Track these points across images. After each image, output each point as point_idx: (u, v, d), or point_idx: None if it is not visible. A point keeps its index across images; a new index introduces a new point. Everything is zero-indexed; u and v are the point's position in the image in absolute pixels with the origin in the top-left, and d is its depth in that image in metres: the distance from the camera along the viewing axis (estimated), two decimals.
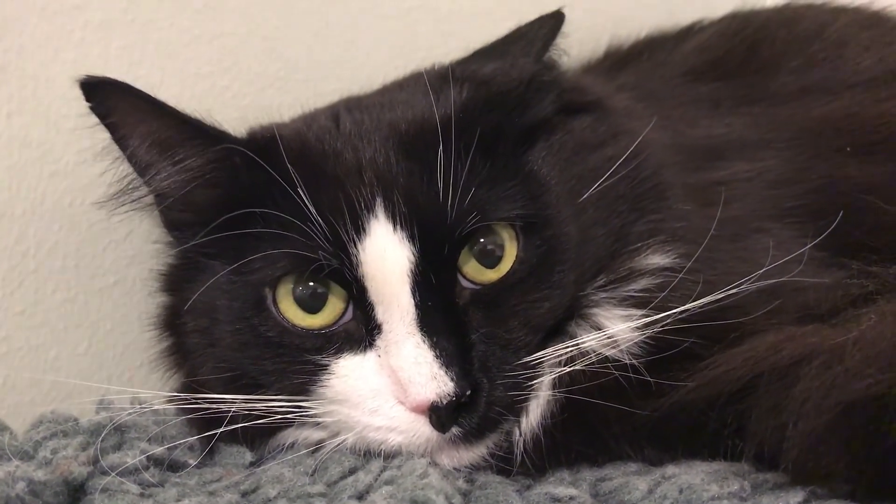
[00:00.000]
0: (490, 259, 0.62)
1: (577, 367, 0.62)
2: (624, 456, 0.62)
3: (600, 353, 0.62)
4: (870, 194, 0.70)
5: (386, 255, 0.60)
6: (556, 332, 0.64)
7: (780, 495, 0.54)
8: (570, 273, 0.64)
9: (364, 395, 0.61)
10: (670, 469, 0.59)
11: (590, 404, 0.61)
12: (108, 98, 0.64)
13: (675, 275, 0.63)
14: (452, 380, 0.58)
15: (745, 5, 0.99)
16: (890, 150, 0.75)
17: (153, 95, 0.64)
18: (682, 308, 0.61)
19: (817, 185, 0.73)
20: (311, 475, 0.62)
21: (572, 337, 0.64)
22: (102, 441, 0.64)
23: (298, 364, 0.62)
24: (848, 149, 0.75)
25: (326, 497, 0.59)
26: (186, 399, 0.66)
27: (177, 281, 0.70)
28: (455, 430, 0.60)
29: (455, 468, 0.62)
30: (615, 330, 0.63)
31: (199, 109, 0.66)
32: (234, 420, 0.64)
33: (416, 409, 0.59)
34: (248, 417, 0.64)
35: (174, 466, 0.65)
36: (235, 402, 0.63)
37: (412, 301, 0.60)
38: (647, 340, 0.62)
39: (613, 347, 0.62)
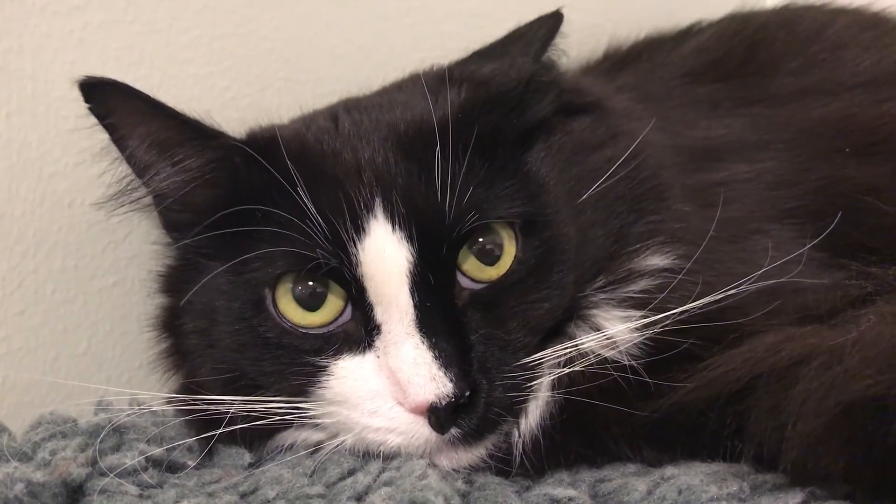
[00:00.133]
0: (489, 258, 0.62)
1: (576, 368, 0.62)
2: (623, 457, 0.62)
3: (599, 354, 0.62)
4: (869, 195, 0.70)
5: (385, 254, 0.60)
6: (556, 333, 0.64)
7: (779, 496, 0.54)
8: (569, 274, 0.64)
9: (363, 396, 0.61)
10: (669, 470, 0.59)
11: (589, 405, 0.61)
12: (107, 99, 0.64)
13: (675, 276, 0.63)
14: (451, 381, 0.58)
15: (744, 6, 0.99)
16: (889, 151, 0.75)
17: (152, 96, 0.64)
18: (682, 309, 0.61)
19: (816, 185, 0.73)
20: (310, 476, 0.62)
21: (571, 338, 0.64)
22: (101, 442, 0.64)
23: (297, 365, 0.62)
24: (847, 150, 0.75)
25: (325, 498, 0.59)
26: (185, 400, 0.66)
27: (176, 282, 0.70)
28: (454, 431, 0.60)
29: (454, 469, 0.62)
30: (614, 331, 0.63)
31: (199, 110, 0.66)
32: (232, 421, 0.64)
33: (415, 411, 0.59)
34: (246, 418, 0.64)
35: (173, 467, 0.65)
36: (234, 404, 0.63)
37: (411, 301, 0.60)
38: (646, 341, 0.62)
39: (612, 348, 0.62)
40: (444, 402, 0.58)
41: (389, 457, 0.61)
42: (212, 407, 0.64)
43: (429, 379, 0.58)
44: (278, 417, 0.63)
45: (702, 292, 0.61)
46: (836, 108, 0.79)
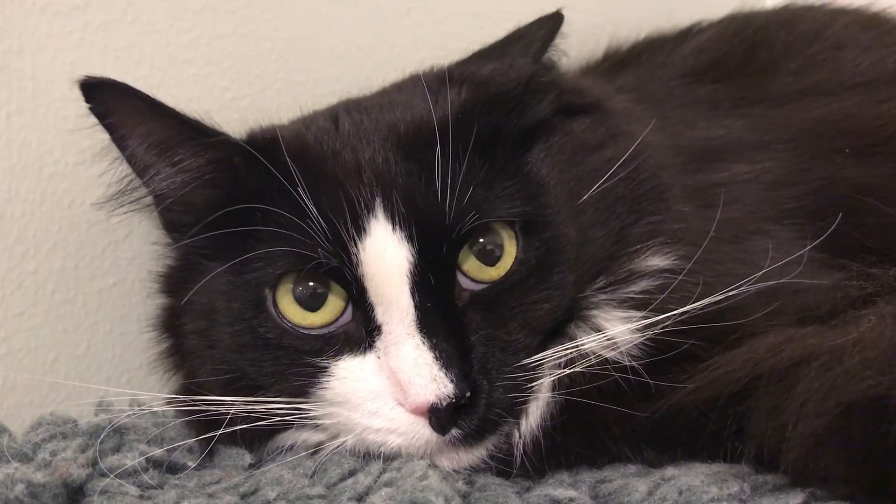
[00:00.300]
0: (490, 258, 0.62)
1: (576, 369, 0.62)
2: (623, 458, 0.62)
3: (600, 355, 0.62)
4: (869, 196, 0.70)
5: (385, 254, 0.60)
6: (556, 333, 0.64)
7: (779, 497, 0.54)
8: (570, 274, 0.64)
9: (363, 396, 0.61)
10: (670, 471, 0.59)
11: (589, 406, 0.61)
12: (107, 99, 0.64)
13: (675, 276, 0.63)
14: (452, 381, 0.58)
15: (744, 6, 0.99)
16: (889, 152, 0.75)
17: (152, 96, 0.64)
18: (682, 310, 0.61)
19: (816, 186, 0.73)
20: (311, 477, 0.62)
21: (572, 339, 0.64)
22: (101, 443, 0.64)
23: (298, 366, 0.62)
24: (847, 150, 0.75)
25: (326, 499, 0.59)
26: (186, 401, 0.66)
27: (176, 282, 0.70)
28: (454, 431, 0.60)
29: (454, 470, 0.62)
30: (615, 332, 0.63)
31: (199, 110, 0.66)
32: (233, 422, 0.64)
33: (416, 411, 0.59)
34: (247, 419, 0.64)
35: (173, 468, 0.65)
36: (235, 404, 0.63)
37: (412, 302, 0.60)
38: (646, 342, 0.62)
39: (613, 349, 0.62)
40: (444, 403, 0.58)
41: (390, 457, 0.61)
42: (212, 407, 0.64)
43: (429, 380, 0.58)
44: (279, 418, 0.63)
45: (702, 293, 0.61)
46: (836, 109, 0.79)
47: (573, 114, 0.71)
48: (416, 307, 0.60)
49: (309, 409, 0.62)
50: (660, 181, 0.69)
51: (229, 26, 0.91)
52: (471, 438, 0.60)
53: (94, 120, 0.65)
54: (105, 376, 0.86)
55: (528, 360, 0.61)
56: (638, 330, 0.62)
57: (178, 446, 0.66)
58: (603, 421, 0.61)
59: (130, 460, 0.62)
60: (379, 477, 0.59)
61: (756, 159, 0.74)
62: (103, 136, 0.66)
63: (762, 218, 0.70)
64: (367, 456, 0.62)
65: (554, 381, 0.63)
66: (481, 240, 0.62)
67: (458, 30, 1.04)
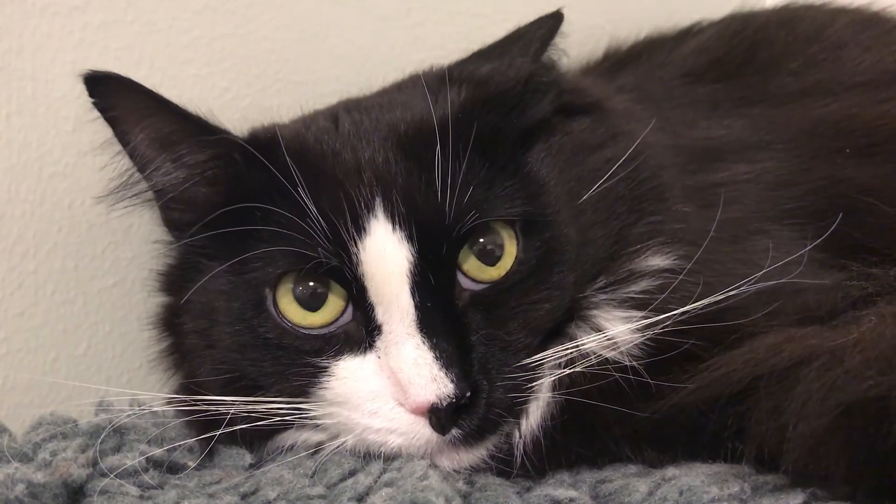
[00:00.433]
0: (490, 258, 0.62)
1: (577, 369, 0.62)
2: (624, 458, 0.62)
3: (600, 355, 0.62)
4: (869, 196, 0.70)
5: (386, 254, 0.60)
6: (556, 333, 0.64)
7: (780, 497, 0.54)
8: (570, 274, 0.64)
9: (364, 396, 0.61)
10: (670, 471, 0.59)
11: (590, 406, 0.61)
12: (111, 93, 0.64)
13: (675, 276, 0.63)
14: (452, 381, 0.58)
15: (744, 6, 0.99)
16: (890, 152, 0.75)
17: (158, 89, 0.64)
18: (682, 310, 0.61)
19: (817, 186, 0.73)
20: (311, 477, 0.62)
21: (572, 339, 0.64)
22: (102, 443, 0.64)
23: (298, 366, 0.62)
24: (847, 150, 0.75)
25: (326, 499, 0.59)
26: (186, 400, 0.66)
27: (176, 281, 0.70)
28: (455, 431, 0.60)
29: (455, 470, 0.62)
30: (615, 332, 0.63)
31: (199, 110, 0.66)
32: (233, 422, 0.64)
33: (416, 411, 0.59)
34: (247, 419, 0.64)
35: (174, 468, 0.65)
36: (235, 404, 0.63)
37: (412, 301, 0.60)
38: (647, 342, 0.62)
39: (613, 349, 0.62)
40: (444, 403, 0.58)
41: (390, 457, 0.61)
42: (212, 407, 0.64)
43: (430, 379, 0.58)
44: (279, 418, 0.63)
45: (702, 293, 0.61)
46: (836, 109, 0.79)
47: (573, 113, 0.71)
48: (417, 307, 0.60)
49: (309, 409, 0.62)
50: (660, 181, 0.69)
51: (229, 26, 0.91)
52: (471, 438, 0.60)
53: (96, 114, 0.65)
54: (105, 376, 0.86)
55: (528, 360, 0.61)
56: (638, 330, 0.62)
57: (179, 446, 0.66)
58: (603, 421, 0.61)
59: (131, 460, 0.62)
60: (379, 477, 0.59)
61: (756, 159, 0.74)
62: (105, 131, 0.66)
63: (762, 218, 0.70)
64: (367, 456, 0.62)
65: (554, 381, 0.63)
66: (481, 239, 0.62)
67: (458, 30, 1.04)
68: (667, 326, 0.61)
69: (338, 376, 0.61)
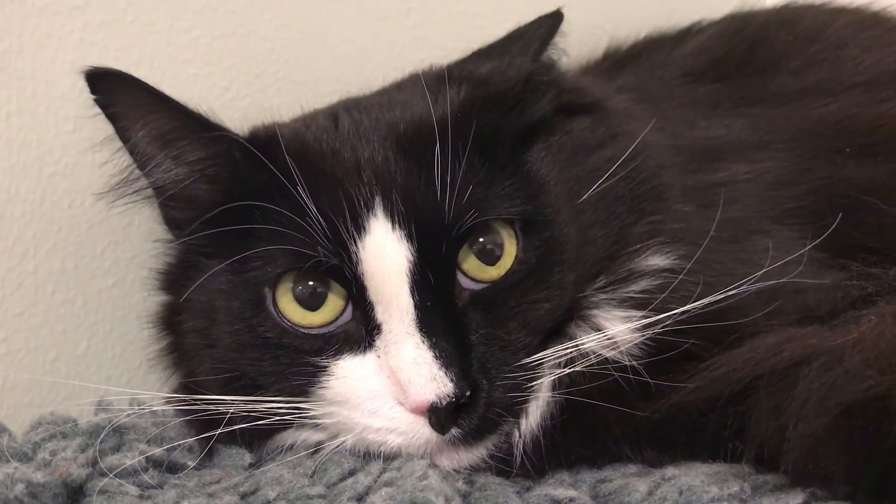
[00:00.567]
0: (490, 257, 0.62)
1: (576, 369, 0.62)
2: (624, 457, 0.62)
3: (600, 355, 0.62)
4: (869, 195, 0.70)
5: (385, 253, 0.60)
6: (556, 333, 0.64)
7: (780, 497, 0.54)
8: (570, 274, 0.64)
9: (363, 396, 0.61)
10: (670, 471, 0.59)
11: (589, 406, 0.61)
12: (112, 89, 0.64)
13: (675, 276, 0.63)
14: (452, 381, 0.58)
15: (744, 6, 0.99)
16: (889, 151, 0.75)
17: (157, 88, 0.64)
18: (682, 309, 0.61)
19: (817, 186, 0.73)
20: (311, 477, 0.61)
21: (572, 338, 0.63)
22: (101, 442, 0.64)
23: (297, 365, 0.62)
24: (847, 150, 0.75)
25: (326, 499, 0.59)
26: (185, 400, 0.66)
27: (176, 280, 0.70)
28: (454, 431, 0.59)
29: (454, 469, 0.62)
30: (615, 331, 0.63)
31: (200, 108, 0.66)
32: (232, 421, 0.64)
33: (416, 410, 0.59)
34: (246, 419, 0.64)
35: (173, 468, 0.65)
36: (234, 404, 0.63)
37: (411, 301, 0.60)
38: (646, 342, 0.62)
39: (613, 349, 0.62)
40: (444, 402, 0.58)
41: (390, 457, 0.61)
42: (211, 407, 0.64)
43: (429, 379, 0.58)
44: (278, 417, 0.63)
45: (702, 292, 0.61)
46: (836, 108, 0.79)
47: (573, 113, 0.71)
48: (416, 306, 0.60)
49: (309, 409, 0.62)
50: (660, 181, 0.69)
51: (229, 26, 0.91)
52: (471, 438, 0.60)
53: (96, 110, 0.65)
54: (105, 376, 0.86)
55: (528, 360, 0.61)
56: (638, 329, 0.62)
57: (178, 446, 0.66)
58: (603, 420, 0.61)
59: (130, 460, 0.62)
60: (379, 476, 0.59)
61: (756, 159, 0.74)
62: (106, 128, 0.66)
63: (762, 217, 0.70)
64: (367, 455, 0.62)
65: (554, 380, 0.63)
66: (481, 239, 0.62)
67: (458, 30, 1.04)
68: (667, 326, 0.61)
69: (337, 375, 0.61)
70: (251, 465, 0.65)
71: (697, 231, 0.65)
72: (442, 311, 0.60)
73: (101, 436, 0.65)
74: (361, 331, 0.62)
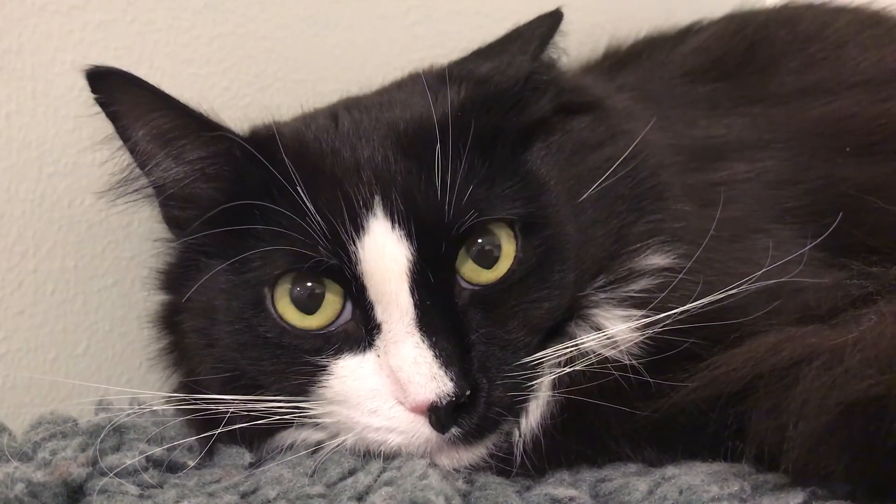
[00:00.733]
0: (487, 259, 0.62)
1: (576, 368, 0.62)
2: (624, 457, 0.62)
3: (600, 354, 0.62)
4: (870, 194, 0.70)
5: (385, 252, 0.60)
6: (556, 332, 0.64)
7: (780, 496, 0.54)
8: (570, 273, 0.64)
9: (363, 395, 0.61)
10: (670, 470, 0.59)
11: (590, 405, 0.61)
12: (113, 88, 0.64)
13: (675, 275, 0.63)
14: (452, 380, 0.58)
15: (744, 5, 0.99)
16: (890, 150, 0.75)
17: (158, 87, 0.64)
18: (682, 308, 0.61)
19: (817, 185, 0.73)
20: (311, 476, 0.61)
21: (572, 337, 0.63)
22: (101, 442, 0.64)
23: (297, 365, 0.62)
24: (847, 149, 0.75)
25: (326, 498, 0.59)
26: (185, 399, 0.66)
27: (176, 279, 0.70)
28: (454, 430, 0.59)
29: (455, 469, 0.62)
30: (615, 330, 0.63)
31: (199, 109, 0.66)
32: (232, 421, 0.64)
33: (416, 410, 0.59)
34: (246, 418, 0.64)
35: (173, 467, 0.65)
36: (234, 403, 0.63)
37: (411, 300, 0.60)
38: (646, 341, 0.62)
39: (613, 348, 0.62)
40: (444, 402, 0.58)
41: (390, 456, 0.61)
42: (211, 406, 0.64)
43: (429, 378, 0.58)
44: (278, 417, 0.63)
45: (702, 292, 0.61)
46: (836, 108, 0.79)
47: (573, 112, 0.71)
48: (416, 305, 0.60)
49: (309, 408, 0.62)
50: (660, 180, 0.69)
51: (229, 26, 0.91)
52: (471, 437, 0.60)
53: (97, 109, 0.65)
54: (105, 375, 0.86)
55: (528, 359, 0.61)
56: (638, 329, 0.62)
57: (178, 445, 0.66)
58: (603, 420, 0.61)
59: (130, 459, 0.62)
60: (379, 476, 0.59)
61: (756, 158, 0.74)
62: (106, 127, 0.66)
63: (762, 217, 0.70)
64: (367, 455, 0.62)
65: (554, 379, 0.63)
66: (480, 241, 0.62)
67: (457, 29, 1.04)
68: (667, 325, 0.61)
69: (337, 375, 0.61)
70: (251, 465, 0.65)
71: (697, 230, 0.65)
72: (442, 311, 0.60)
73: (101, 435, 0.65)
74: (361, 330, 0.62)
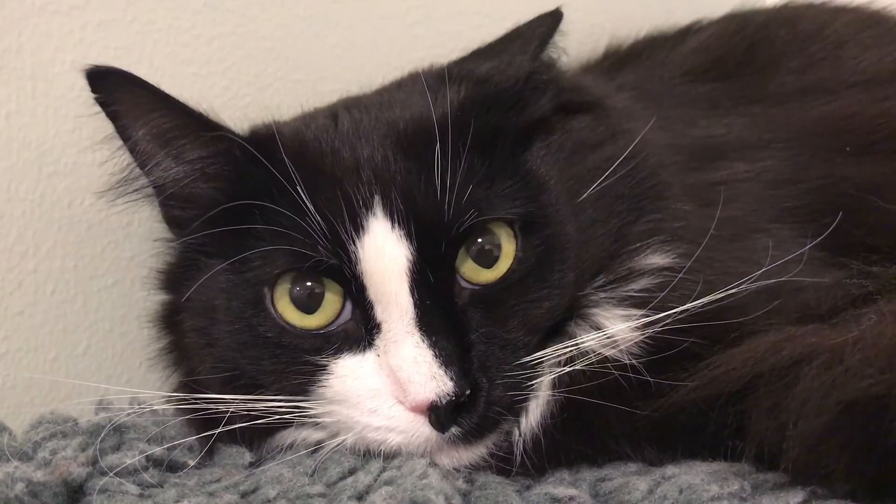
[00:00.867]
0: (487, 259, 0.62)
1: (576, 367, 0.62)
2: (624, 456, 0.62)
3: (600, 353, 0.62)
4: (870, 194, 0.70)
5: (384, 252, 0.60)
6: (556, 332, 0.64)
7: (780, 495, 0.54)
8: (570, 273, 0.64)
9: (363, 395, 0.61)
10: (670, 469, 0.59)
11: (590, 404, 0.61)
12: (113, 88, 0.64)
13: (675, 275, 0.63)
14: (452, 379, 0.58)
15: (744, 5, 0.99)
16: (890, 150, 0.75)
17: (158, 86, 0.64)
18: (682, 308, 0.61)
19: (817, 185, 0.73)
20: (311, 476, 0.61)
21: (572, 337, 0.63)
22: (101, 442, 0.64)
23: (297, 364, 0.62)
24: (847, 149, 0.75)
25: (326, 497, 0.59)
26: (185, 399, 0.66)
27: (176, 279, 0.70)
28: (454, 429, 0.59)
29: (455, 468, 0.62)
30: (615, 330, 0.63)
31: (199, 109, 0.66)
32: (232, 420, 0.64)
33: (416, 409, 0.59)
34: (246, 417, 0.64)
35: (173, 467, 0.65)
36: (234, 402, 0.63)
37: (411, 300, 0.60)
38: (646, 340, 0.62)
39: (613, 347, 0.62)
40: (444, 401, 0.58)
41: (390, 456, 0.61)
42: (211, 406, 0.64)
43: (429, 377, 0.58)
44: (278, 416, 0.63)
45: (702, 291, 0.61)
46: (836, 107, 0.79)
47: (573, 112, 0.71)
48: (416, 305, 0.60)
49: (309, 408, 0.62)
50: (659, 179, 0.69)
51: (229, 25, 0.91)
52: (471, 436, 0.60)
53: (97, 109, 0.65)
54: (105, 375, 0.86)
55: (528, 358, 0.61)
56: (638, 328, 0.62)
57: (178, 445, 0.66)
58: (603, 419, 0.61)
59: (130, 459, 0.62)
60: (379, 475, 0.59)
61: (756, 158, 0.74)
62: (106, 127, 0.66)
63: (762, 216, 0.70)
64: (367, 454, 0.62)
65: (554, 379, 0.63)
66: (479, 240, 0.62)
67: (457, 29, 1.04)
68: (667, 325, 0.61)
69: (337, 374, 0.61)
70: (251, 464, 0.65)
71: (697, 230, 0.65)
72: (441, 310, 0.60)
73: (102, 435, 0.65)
74: (361, 330, 0.62)
